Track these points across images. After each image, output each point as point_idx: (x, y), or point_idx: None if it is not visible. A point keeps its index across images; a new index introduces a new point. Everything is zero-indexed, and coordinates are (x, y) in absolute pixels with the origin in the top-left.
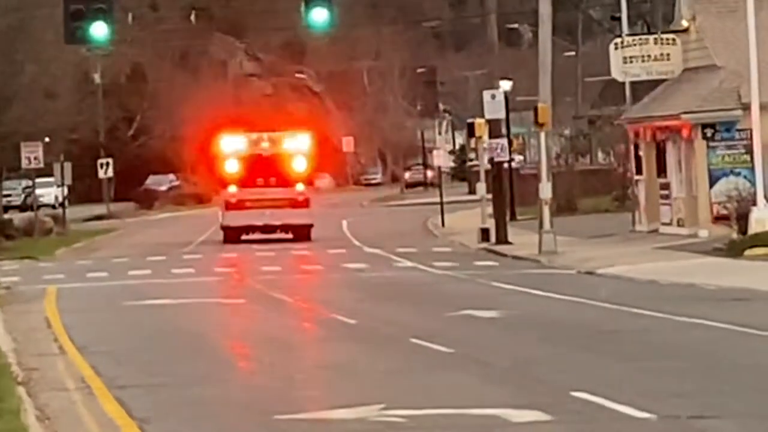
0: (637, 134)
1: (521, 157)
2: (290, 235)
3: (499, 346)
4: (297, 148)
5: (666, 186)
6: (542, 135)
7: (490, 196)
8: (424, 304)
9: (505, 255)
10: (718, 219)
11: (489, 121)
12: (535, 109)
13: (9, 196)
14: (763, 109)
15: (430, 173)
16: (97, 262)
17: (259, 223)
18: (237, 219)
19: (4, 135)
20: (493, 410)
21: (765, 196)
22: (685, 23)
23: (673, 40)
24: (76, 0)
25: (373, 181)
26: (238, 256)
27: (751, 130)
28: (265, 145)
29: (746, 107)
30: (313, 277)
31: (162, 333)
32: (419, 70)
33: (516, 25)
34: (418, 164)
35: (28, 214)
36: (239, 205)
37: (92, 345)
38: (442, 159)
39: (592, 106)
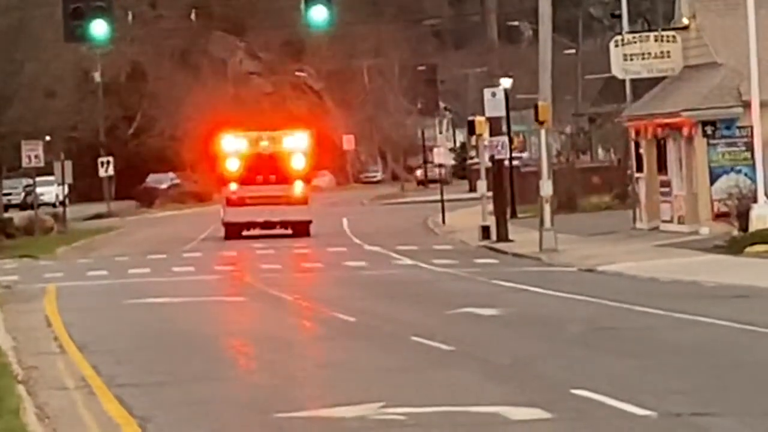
0: (637, 132)
1: (527, 154)
2: (289, 231)
3: (499, 343)
4: (296, 146)
5: (666, 183)
6: (543, 133)
7: (490, 193)
8: (425, 302)
9: (505, 252)
10: (719, 216)
11: (489, 119)
12: (536, 107)
13: (9, 194)
14: (763, 107)
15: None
16: (98, 260)
17: (259, 219)
18: (238, 215)
19: (4, 134)
20: (493, 408)
21: (765, 193)
22: (685, 21)
23: (674, 37)
24: None
25: (374, 179)
26: (238, 254)
27: (751, 127)
28: (264, 143)
29: (746, 105)
30: (314, 275)
31: (162, 331)
32: (419, 68)
33: (516, 23)
34: (427, 162)
35: (29, 212)
36: (240, 202)
37: (92, 344)
38: (443, 157)
39: (593, 104)
